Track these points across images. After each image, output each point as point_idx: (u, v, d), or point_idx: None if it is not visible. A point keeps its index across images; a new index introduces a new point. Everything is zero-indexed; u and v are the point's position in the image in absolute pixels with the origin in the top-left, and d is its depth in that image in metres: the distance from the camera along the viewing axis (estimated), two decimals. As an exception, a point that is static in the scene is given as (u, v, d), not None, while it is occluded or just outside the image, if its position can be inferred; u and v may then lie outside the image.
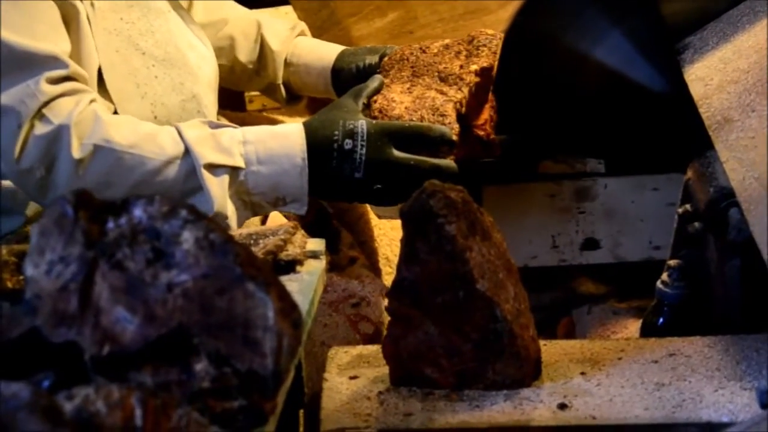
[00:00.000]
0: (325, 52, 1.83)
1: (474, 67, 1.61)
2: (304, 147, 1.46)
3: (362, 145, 1.46)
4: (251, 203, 1.48)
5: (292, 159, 1.46)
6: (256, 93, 2.31)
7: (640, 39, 1.66)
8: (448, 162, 1.50)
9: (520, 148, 1.73)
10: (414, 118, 1.52)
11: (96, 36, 1.49)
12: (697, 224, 1.43)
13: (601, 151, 1.73)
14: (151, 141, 1.43)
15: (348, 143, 1.46)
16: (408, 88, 1.59)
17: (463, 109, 1.57)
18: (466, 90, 1.58)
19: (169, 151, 1.43)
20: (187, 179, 1.43)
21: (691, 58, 1.56)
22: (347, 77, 1.78)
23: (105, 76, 1.49)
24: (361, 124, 1.48)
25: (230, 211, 1.45)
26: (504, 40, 1.67)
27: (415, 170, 1.47)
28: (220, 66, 1.80)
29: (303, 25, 1.91)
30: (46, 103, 1.39)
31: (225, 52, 1.84)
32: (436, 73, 1.60)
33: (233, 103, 2.19)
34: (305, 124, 1.49)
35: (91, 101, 1.43)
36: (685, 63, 1.57)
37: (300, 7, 2.20)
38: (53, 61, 1.41)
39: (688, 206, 1.46)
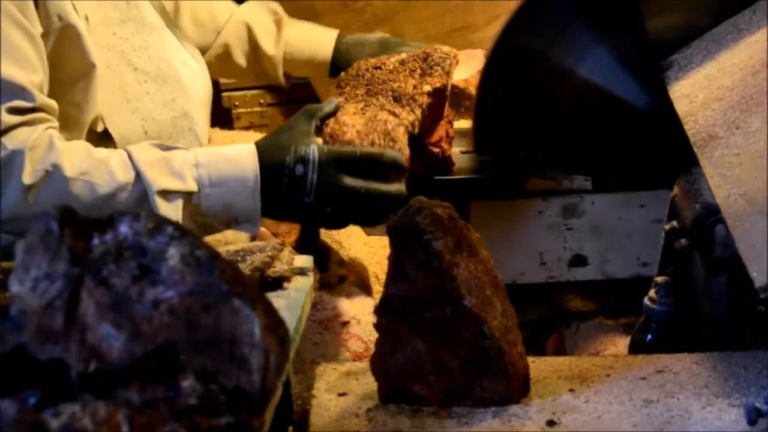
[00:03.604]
0: (318, 45, 1.86)
1: (427, 88, 1.61)
2: (257, 170, 1.46)
3: (313, 171, 1.46)
4: (204, 224, 1.47)
5: (245, 182, 1.45)
6: (244, 110, 2.32)
7: (625, 56, 1.67)
8: (399, 187, 1.50)
9: (508, 165, 1.73)
10: (365, 143, 1.52)
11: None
12: (683, 241, 1.43)
13: (588, 167, 1.73)
14: (103, 167, 1.42)
15: (299, 169, 1.46)
16: (361, 109, 1.58)
17: (416, 131, 1.58)
18: (418, 111, 1.59)
19: (120, 178, 1.42)
20: (138, 205, 1.42)
21: (676, 75, 1.57)
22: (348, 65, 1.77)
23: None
24: (313, 149, 1.47)
25: None
26: (490, 56, 1.68)
27: (365, 197, 1.48)
28: (212, 65, 1.81)
29: (282, 13, 1.92)
30: (4, 132, 1.38)
31: (221, 56, 1.87)
32: (390, 92, 1.61)
33: (221, 120, 2.20)
34: (257, 146, 1.48)
35: (48, 128, 1.42)
36: (670, 80, 1.58)
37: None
38: (19, 92, 1.40)
39: (674, 223, 1.46)
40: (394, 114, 1.57)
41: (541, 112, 1.69)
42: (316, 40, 1.87)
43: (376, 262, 1.82)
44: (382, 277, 1.79)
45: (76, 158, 1.42)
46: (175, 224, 0.93)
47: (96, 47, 1.51)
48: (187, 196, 1.44)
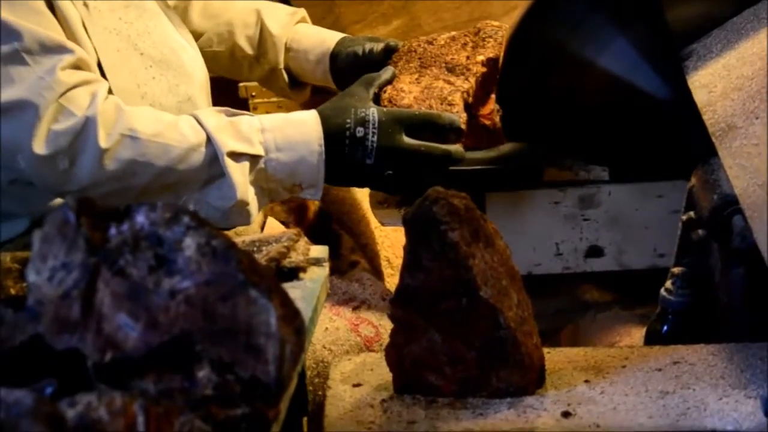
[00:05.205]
0: (326, 38, 1.84)
1: (480, 58, 1.65)
2: (321, 134, 1.49)
3: (374, 132, 1.49)
4: (269, 190, 1.50)
5: (310, 146, 1.48)
6: (261, 100, 2.32)
7: (644, 46, 1.66)
8: (457, 148, 1.54)
9: (524, 156, 1.73)
10: (423, 108, 1.56)
11: (96, 35, 1.50)
12: (700, 231, 1.43)
13: (605, 158, 1.73)
14: (174, 129, 1.45)
15: (360, 130, 1.49)
16: (416, 79, 1.62)
17: (470, 99, 1.61)
18: (473, 80, 1.63)
19: (192, 139, 1.45)
20: (210, 166, 1.45)
21: (695, 65, 1.56)
22: (346, 63, 1.79)
23: (107, 75, 1.50)
24: (373, 111, 1.51)
25: (251, 197, 1.47)
26: (508, 46, 1.67)
27: (425, 156, 1.51)
28: (219, 54, 1.82)
29: (303, 12, 1.92)
30: (63, 94, 1.39)
31: (224, 38, 1.85)
32: (444, 64, 1.64)
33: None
34: (318, 111, 1.51)
35: (109, 91, 1.44)
36: (689, 70, 1.57)
37: (304, 14, 2.20)
38: (61, 49, 1.41)
39: (692, 213, 1.45)
40: (449, 82, 1.60)
41: (558, 102, 1.69)
42: (324, 34, 1.86)
43: (388, 246, 1.83)
44: (394, 262, 1.80)
45: (147, 120, 1.44)
46: (191, 214, 0.94)
47: (104, 32, 1.52)
48: (253, 159, 1.46)
